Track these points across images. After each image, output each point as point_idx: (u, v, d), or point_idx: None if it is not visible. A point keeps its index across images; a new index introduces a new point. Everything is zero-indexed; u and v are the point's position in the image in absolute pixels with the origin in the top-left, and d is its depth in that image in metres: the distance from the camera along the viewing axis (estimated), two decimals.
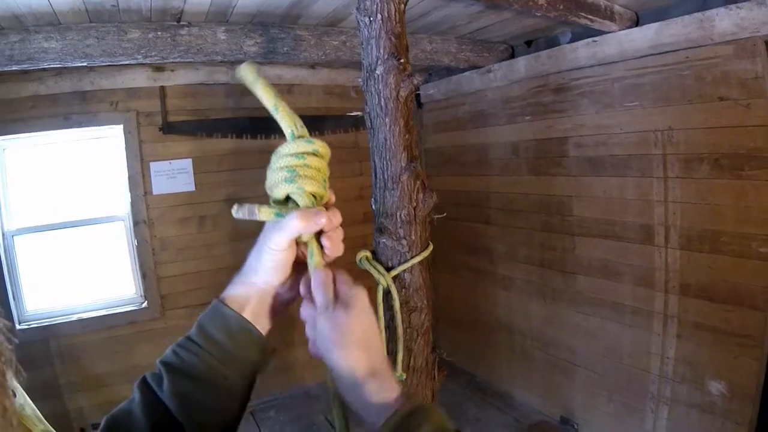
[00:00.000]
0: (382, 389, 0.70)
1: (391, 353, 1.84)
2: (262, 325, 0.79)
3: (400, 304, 1.80)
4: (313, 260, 0.78)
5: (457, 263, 4.82)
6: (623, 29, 3.05)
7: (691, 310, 2.94)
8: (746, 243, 2.65)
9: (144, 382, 0.73)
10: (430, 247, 1.89)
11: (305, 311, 0.78)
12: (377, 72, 1.76)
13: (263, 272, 0.77)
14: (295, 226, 0.74)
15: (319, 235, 0.79)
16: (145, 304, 4.00)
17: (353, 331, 0.72)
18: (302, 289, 0.80)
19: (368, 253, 1.89)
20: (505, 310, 4.34)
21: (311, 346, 0.78)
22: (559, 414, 3.88)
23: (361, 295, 0.76)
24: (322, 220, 0.76)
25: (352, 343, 0.72)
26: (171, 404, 0.70)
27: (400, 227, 1.82)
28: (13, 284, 3.65)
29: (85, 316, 3.82)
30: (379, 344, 0.76)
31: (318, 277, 0.77)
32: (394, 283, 1.80)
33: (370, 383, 0.70)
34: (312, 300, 0.77)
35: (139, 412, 0.70)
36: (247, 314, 0.76)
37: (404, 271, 1.83)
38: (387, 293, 1.81)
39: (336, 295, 0.76)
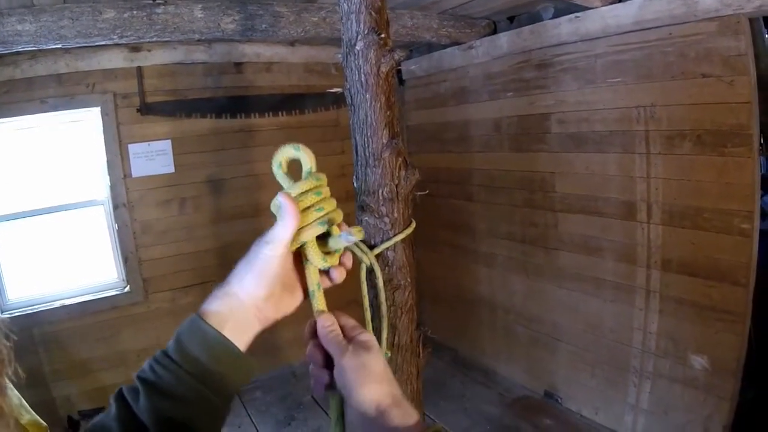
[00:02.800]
0: (405, 415, 0.72)
1: (376, 331, 1.84)
2: (244, 341, 0.77)
3: (384, 282, 1.80)
4: (317, 304, 0.80)
5: (439, 240, 4.82)
6: (606, 5, 3.03)
7: (673, 286, 2.96)
8: (728, 219, 2.67)
9: (120, 395, 0.71)
10: (413, 225, 1.88)
11: (313, 354, 0.80)
12: (357, 47, 1.73)
13: (250, 279, 0.76)
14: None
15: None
16: (127, 289, 3.96)
17: (375, 369, 0.75)
18: (307, 331, 0.81)
19: None
20: (488, 286, 4.36)
21: (315, 385, 0.80)
22: (542, 388, 3.92)
23: (373, 338, 0.79)
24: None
25: (375, 379, 0.74)
26: (147, 421, 0.68)
27: (383, 205, 1.80)
28: None
29: (68, 302, 3.78)
30: (393, 377, 0.78)
31: (323, 323, 0.79)
32: (378, 261, 1.79)
33: (394, 411, 0.72)
34: (319, 345, 0.79)
35: (114, 427, 0.68)
36: (227, 331, 0.74)
37: (387, 249, 1.82)
38: (370, 271, 1.80)
39: (346, 337, 0.79)
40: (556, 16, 3.40)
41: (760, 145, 2.66)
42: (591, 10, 3.09)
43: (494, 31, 3.97)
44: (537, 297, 3.88)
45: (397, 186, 1.80)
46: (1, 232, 3.66)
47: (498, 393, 4.05)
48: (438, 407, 3.82)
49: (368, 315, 1.83)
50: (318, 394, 0.81)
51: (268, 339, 4.45)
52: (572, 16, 3.21)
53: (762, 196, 2.82)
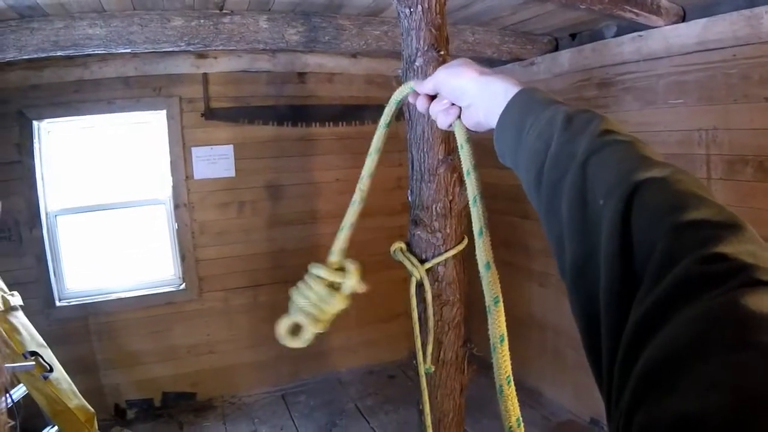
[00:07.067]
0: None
1: (422, 345, 1.85)
2: None
3: (433, 297, 1.81)
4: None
5: (493, 257, 4.77)
6: (669, 24, 2.98)
7: None
8: None
9: None
10: (465, 241, 1.89)
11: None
12: (416, 64, 1.76)
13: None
14: None
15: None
16: (183, 286, 4.09)
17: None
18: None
19: (403, 245, 1.89)
20: (540, 307, 4.30)
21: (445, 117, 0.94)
22: (589, 415, 3.83)
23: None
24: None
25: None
26: None
27: (436, 220, 1.82)
28: (54, 262, 3.77)
29: (123, 295, 3.93)
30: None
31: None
32: (428, 275, 1.81)
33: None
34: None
35: None
36: None
37: (438, 264, 1.83)
38: (420, 285, 1.82)
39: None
40: (618, 34, 3.35)
41: None
42: (654, 30, 3.04)
43: (556, 48, 3.94)
44: None
45: (450, 202, 1.82)
46: (64, 225, 3.85)
47: (542, 415, 3.99)
48: (480, 424, 3.79)
49: (417, 329, 1.85)
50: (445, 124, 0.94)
51: (315, 345, 4.49)
52: (635, 34, 3.16)
53: None
